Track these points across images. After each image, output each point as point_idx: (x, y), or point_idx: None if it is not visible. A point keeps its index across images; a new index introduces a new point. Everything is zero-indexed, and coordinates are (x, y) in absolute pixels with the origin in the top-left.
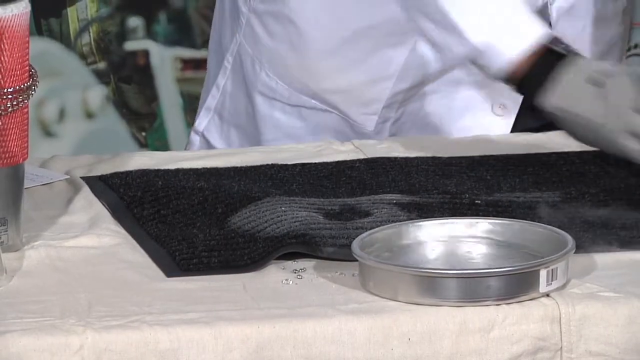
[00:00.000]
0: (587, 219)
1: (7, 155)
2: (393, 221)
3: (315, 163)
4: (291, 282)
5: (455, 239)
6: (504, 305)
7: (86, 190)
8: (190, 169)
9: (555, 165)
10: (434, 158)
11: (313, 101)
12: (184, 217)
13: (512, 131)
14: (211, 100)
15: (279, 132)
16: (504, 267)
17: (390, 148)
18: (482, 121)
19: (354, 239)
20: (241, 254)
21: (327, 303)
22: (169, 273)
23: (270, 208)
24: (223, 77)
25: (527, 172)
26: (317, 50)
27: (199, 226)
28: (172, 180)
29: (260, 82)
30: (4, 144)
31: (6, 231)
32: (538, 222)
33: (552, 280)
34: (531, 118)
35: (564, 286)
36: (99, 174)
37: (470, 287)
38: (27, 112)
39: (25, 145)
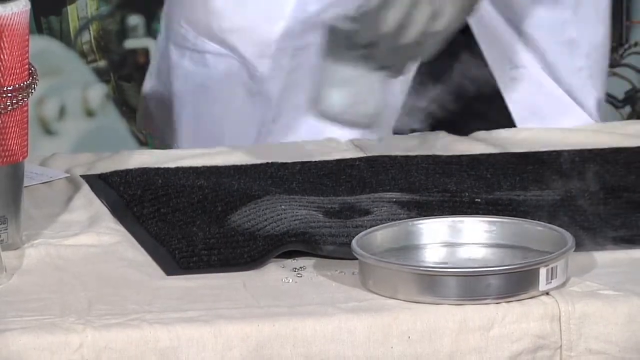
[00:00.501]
0: (587, 217)
1: (7, 154)
2: (393, 219)
3: (315, 161)
4: (291, 281)
5: (455, 238)
6: (503, 303)
7: (86, 188)
8: (190, 167)
9: (555, 163)
10: (434, 156)
11: (215, 45)
12: (184, 216)
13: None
14: (153, 63)
15: (188, 82)
16: (504, 266)
17: (391, 146)
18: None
19: (354, 237)
20: (241, 252)
21: (326, 301)
22: (169, 271)
23: (270, 206)
24: (161, 37)
25: (527, 170)
26: None
27: (198, 224)
28: (171, 179)
29: (174, 32)
30: (3, 143)
31: (6, 229)
32: (538, 220)
33: (551, 279)
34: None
35: (563, 284)
36: (99, 172)
37: (470, 285)
38: (27, 110)
39: (25, 143)
